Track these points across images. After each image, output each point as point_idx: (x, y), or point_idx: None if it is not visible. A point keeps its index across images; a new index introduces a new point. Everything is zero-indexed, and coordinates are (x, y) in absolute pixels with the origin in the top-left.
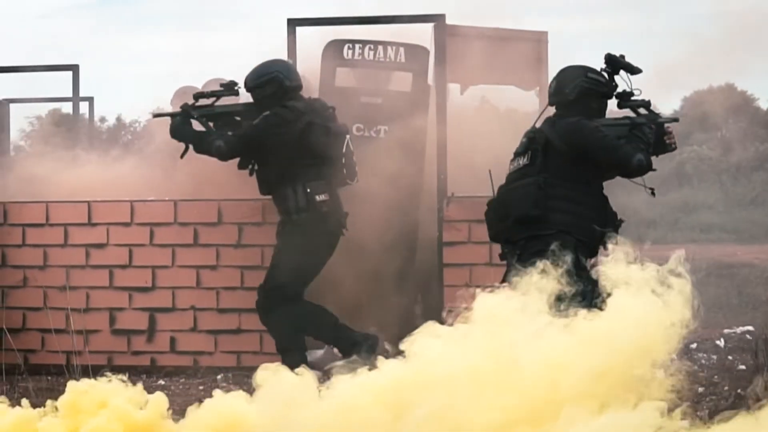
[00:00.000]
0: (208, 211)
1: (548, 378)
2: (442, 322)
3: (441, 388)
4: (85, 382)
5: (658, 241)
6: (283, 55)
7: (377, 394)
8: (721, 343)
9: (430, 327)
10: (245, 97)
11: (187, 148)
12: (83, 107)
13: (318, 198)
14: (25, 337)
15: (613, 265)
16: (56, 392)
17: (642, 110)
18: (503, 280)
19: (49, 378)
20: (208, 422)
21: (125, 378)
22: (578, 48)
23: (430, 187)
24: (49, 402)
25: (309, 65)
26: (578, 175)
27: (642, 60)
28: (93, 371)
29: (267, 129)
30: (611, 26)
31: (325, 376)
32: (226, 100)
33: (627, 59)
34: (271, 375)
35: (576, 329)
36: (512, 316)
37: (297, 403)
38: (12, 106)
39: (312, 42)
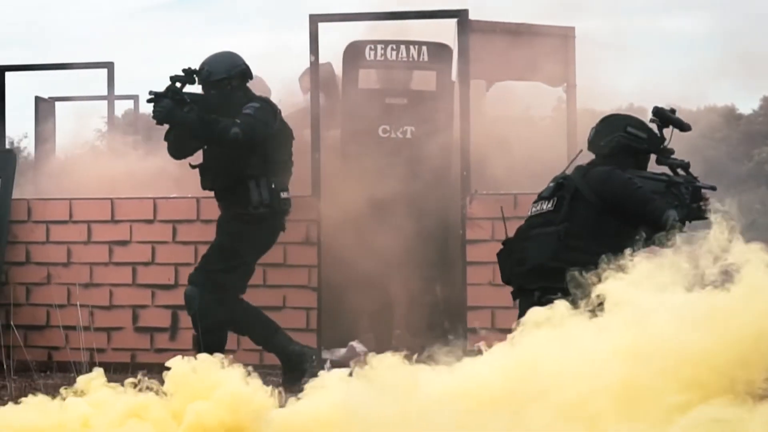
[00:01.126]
0: None
1: (669, 367)
2: (465, 319)
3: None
4: (190, 362)
5: None
6: (306, 53)
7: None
8: None
9: (539, 312)
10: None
11: (171, 130)
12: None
13: (282, 195)
14: (49, 334)
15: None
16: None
17: (680, 171)
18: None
19: (72, 375)
20: (318, 416)
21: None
22: (609, 44)
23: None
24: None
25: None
26: (604, 228)
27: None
28: (116, 369)
29: (265, 120)
30: (673, 26)
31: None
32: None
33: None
34: (383, 364)
35: (703, 313)
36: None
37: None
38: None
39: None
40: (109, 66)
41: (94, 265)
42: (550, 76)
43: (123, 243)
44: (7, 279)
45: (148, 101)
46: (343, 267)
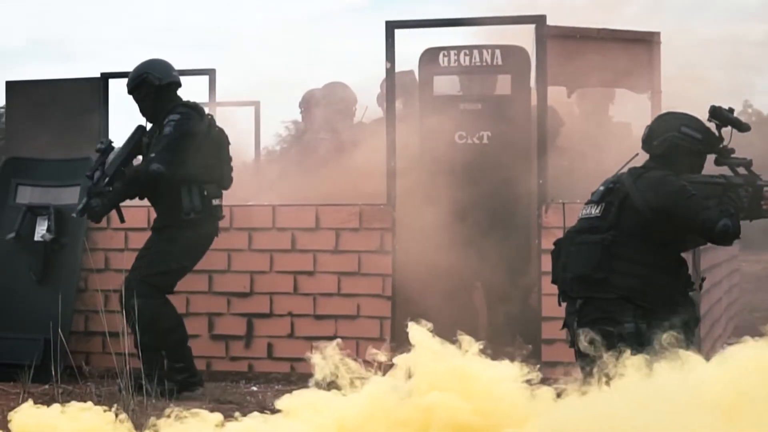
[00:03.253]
0: (305, 216)
1: None
2: (540, 330)
3: None
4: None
5: None
6: (382, 59)
7: None
8: None
9: None
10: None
11: (120, 212)
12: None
13: (214, 202)
14: (128, 341)
15: None
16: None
17: (742, 170)
18: (564, 326)
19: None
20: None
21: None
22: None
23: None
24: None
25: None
26: (653, 236)
27: None
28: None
29: (185, 130)
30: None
31: None
32: None
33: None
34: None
35: None
36: None
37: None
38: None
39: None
40: (210, 73)
41: None
42: (634, 83)
43: None
44: (86, 286)
45: (80, 216)
46: (419, 276)
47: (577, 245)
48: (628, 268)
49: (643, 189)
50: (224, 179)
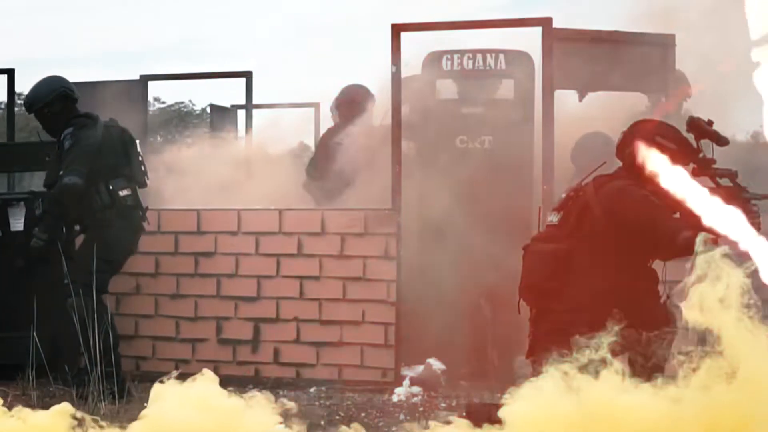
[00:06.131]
0: (311, 221)
1: None
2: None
3: None
4: None
5: None
6: (387, 62)
7: None
8: None
9: None
10: None
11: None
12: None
13: (121, 193)
14: (137, 343)
15: None
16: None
17: (726, 182)
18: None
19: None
20: None
21: None
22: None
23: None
24: None
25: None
26: (612, 247)
27: None
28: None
29: (82, 138)
30: None
31: (425, 392)
32: None
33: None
34: None
35: None
36: None
37: None
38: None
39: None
40: (247, 75)
41: (181, 276)
42: (648, 87)
43: (208, 254)
44: None
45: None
46: (423, 282)
47: (531, 254)
48: (581, 279)
49: (602, 199)
50: (136, 175)
